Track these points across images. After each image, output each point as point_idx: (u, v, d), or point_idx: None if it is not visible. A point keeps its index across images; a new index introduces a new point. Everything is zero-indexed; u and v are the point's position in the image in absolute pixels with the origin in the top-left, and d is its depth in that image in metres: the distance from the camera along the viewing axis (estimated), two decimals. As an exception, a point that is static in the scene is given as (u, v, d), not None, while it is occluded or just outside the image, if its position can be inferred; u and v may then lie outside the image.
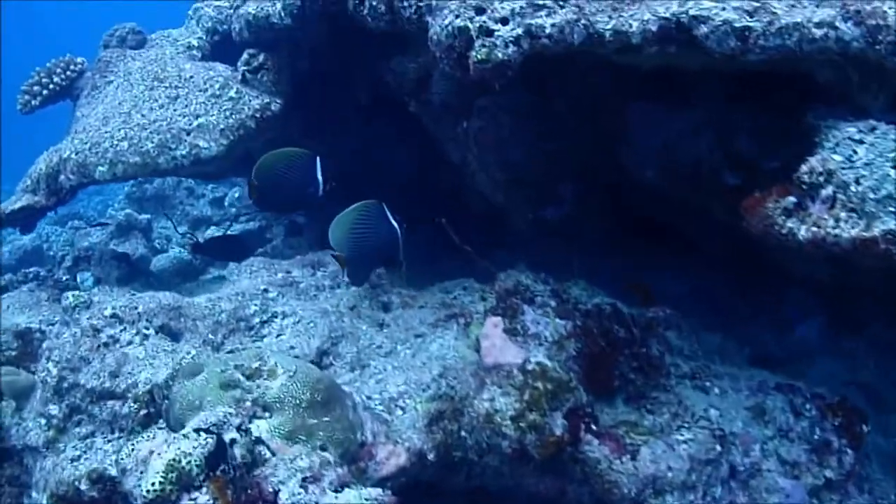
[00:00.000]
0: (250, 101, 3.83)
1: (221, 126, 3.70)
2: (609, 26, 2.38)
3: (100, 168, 3.68)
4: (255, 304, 3.32)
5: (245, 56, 4.14)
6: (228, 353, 3.15)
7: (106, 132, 3.78)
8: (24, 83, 4.48)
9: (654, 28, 2.34)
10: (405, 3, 2.62)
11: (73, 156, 3.78)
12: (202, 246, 5.00)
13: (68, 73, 4.43)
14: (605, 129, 3.57)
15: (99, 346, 3.08)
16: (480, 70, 2.34)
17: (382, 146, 4.30)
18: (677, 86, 3.25)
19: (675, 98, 3.33)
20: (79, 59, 4.52)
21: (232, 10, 4.17)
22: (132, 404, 2.91)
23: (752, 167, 3.12)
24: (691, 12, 2.28)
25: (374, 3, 2.82)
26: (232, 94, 3.84)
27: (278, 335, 3.24)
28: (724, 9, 2.27)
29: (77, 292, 3.60)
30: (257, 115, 3.78)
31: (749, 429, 2.98)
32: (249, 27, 3.82)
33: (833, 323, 3.98)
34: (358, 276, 3.41)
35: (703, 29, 2.27)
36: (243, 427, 2.38)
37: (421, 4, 2.56)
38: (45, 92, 4.41)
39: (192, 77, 3.95)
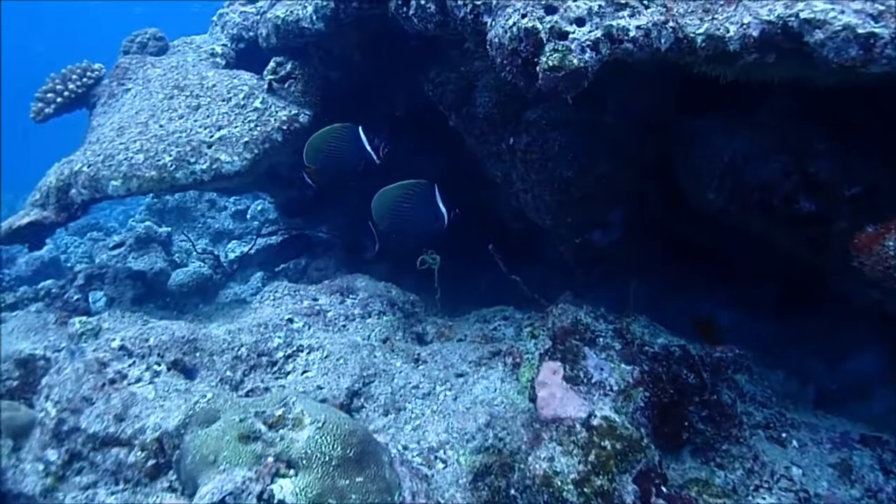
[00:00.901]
0: (277, 111, 3.41)
1: (245, 139, 3.29)
2: (701, 30, 1.95)
3: (113, 182, 3.27)
4: (279, 337, 2.90)
5: (272, 64, 3.73)
6: (248, 394, 2.73)
7: (121, 144, 3.37)
8: (38, 90, 4.07)
9: (755, 33, 1.91)
10: (460, 2, 2.18)
11: (84, 168, 3.37)
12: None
13: (85, 79, 4.03)
14: (660, 148, 3.15)
15: (104, 383, 2.66)
16: (551, 79, 1.91)
17: (417, 161, 3.87)
18: (740, 100, 2.84)
19: (739, 114, 2.91)
20: (96, 66, 4.11)
21: (258, 16, 3.76)
22: (139, 453, 2.49)
23: (831, 193, 2.69)
24: (802, 15, 1.84)
25: (423, 3, 2.38)
26: (257, 104, 3.43)
27: (304, 372, 2.82)
28: (842, 12, 1.83)
29: (85, 318, 3.18)
30: (284, 128, 3.37)
31: (835, 490, 2.54)
32: (277, 32, 3.40)
33: (891, 352, 3.55)
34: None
35: (818, 35, 1.83)
36: (265, 497, 1.96)
37: (478, 3, 2.12)
38: (59, 99, 4.01)
39: (214, 85, 3.54)
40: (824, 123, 2.77)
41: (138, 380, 2.72)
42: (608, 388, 2.33)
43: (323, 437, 2.22)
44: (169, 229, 6.38)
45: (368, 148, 3.25)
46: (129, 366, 2.77)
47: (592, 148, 3.02)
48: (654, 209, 3.40)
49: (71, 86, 4.00)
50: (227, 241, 6.53)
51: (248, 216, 6.80)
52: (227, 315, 3.60)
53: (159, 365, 2.74)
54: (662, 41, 1.91)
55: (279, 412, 2.33)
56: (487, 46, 2.09)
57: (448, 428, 2.52)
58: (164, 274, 5.59)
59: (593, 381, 2.33)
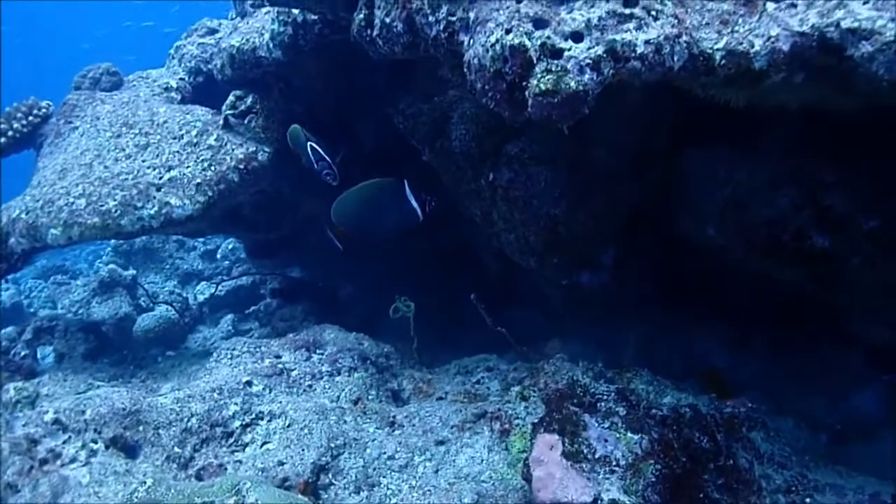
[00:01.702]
0: (233, 149, 3.01)
1: (198, 180, 2.88)
2: (720, 45, 1.57)
3: (52, 231, 2.85)
4: (236, 404, 2.48)
5: (231, 98, 3.33)
6: (199, 473, 2.30)
7: (62, 188, 2.95)
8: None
9: (785, 47, 1.54)
10: (431, 19, 1.78)
11: (22, 216, 2.94)
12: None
13: (31, 118, 3.60)
14: (654, 182, 2.78)
15: (31, 466, 2.23)
16: (543, 105, 1.52)
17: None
18: (741, 129, 2.48)
19: (741, 145, 2.56)
20: (44, 103, 3.69)
21: (216, 47, 3.35)
22: (69, 551, 2.06)
23: (846, 227, 2.33)
24: (844, 24, 1.48)
25: (389, 21, 1.97)
26: (211, 141, 3.02)
27: (264, 444, 2.40)
28: (893, 19, 1.46)
29: (20, 384, 2.74)
30: (241, 167, 2.96)
31: (870, 564, 2.17)
32: (233, 63, 3.01)
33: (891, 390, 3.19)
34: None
35: (865, 48, 1.47)
36: None
37: (453, 19, 1.72)
38: (2, 140, 3.57)
39: (165, 122, 3.13)
40: (832, 152, 2.41)
41: (73, 460, 2.29)
42: (614, 463, 1.93)
43: (281, 534, 1.79)
44: (134, 272, 5.92)
45: (415, 204, 2.88)
46: (64, 443, 2.34)
47: (581, 184, 2.64)
48: (647, 247, 3.02)
49: (16, 125, 3.57)
50: (197, 283, 6.07)
51: (219, 255, 6.36)
52: (184, 373, 3.16)
53: (96, 443, 2.31)
54: (675, 59, 1.53)
55: (230, 502, 1.91)
56: (465, 70, 1.70)
57: (429, 509, 2.10)
58: (129, 319, 5.16)
59: (597, 455, 1.93)
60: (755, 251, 2.53)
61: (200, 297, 5.68)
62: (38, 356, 3.56)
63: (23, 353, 3.60)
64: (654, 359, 2.94)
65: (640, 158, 2.74)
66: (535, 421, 2.10)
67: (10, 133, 3.58)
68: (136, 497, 2.00)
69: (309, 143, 2.79)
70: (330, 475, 2.28)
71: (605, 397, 2.12)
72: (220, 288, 5.39)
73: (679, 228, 2.80)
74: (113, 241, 6.45)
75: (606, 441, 1.97)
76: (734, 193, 2.53)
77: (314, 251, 4.27)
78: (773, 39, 1.54)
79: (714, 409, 2.33)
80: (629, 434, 2.02)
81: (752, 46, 1.55)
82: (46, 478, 2.19)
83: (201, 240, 6.39)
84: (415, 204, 2.80)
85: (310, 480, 2.25)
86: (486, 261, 3.58)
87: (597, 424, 2.01)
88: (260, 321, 4.98)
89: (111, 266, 5.70)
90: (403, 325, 3.18)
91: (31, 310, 6.23)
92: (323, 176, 2.82)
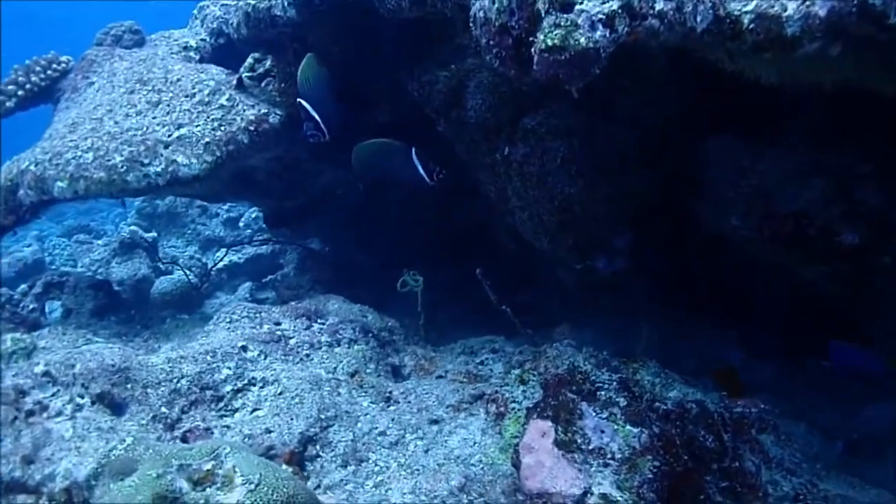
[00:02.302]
0: (244, 110, 2.91)
1: (207, 139, 2.78)
2: (749, 7, 1.43)
3: (59, 184, 2.77)
4: (228, 368, 2.39)
5: (250, 60, 3.23)
6: (185, 435, 2.21)
7: (71, 141, 2.87)
8: (1, 83, 3.57)
9: (822, 13, 1.38)
10: (437, -30, 1.66)
11: (31, 167, 2.87)
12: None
13: (49, 72, 3.54)
14: (674, 164, 2.63)
15: (15, 417, 2.15)
16: (549, 63, 1.39)
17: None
18: (767, 114, 2.33)
19: (767, 131, 2.40)
20: (63, 58, 3.62)
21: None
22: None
23: (879, 223, 2.17)
24: (890, -15, 1.32)
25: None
26: (223, 101, 2.92)
27: (253, 410, 2.31)
28: (945, -22, 1.31)
29: (18, 335, 2.67)
30: (251, 128, 2.86)
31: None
32: (248, 21, 2.90)
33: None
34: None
35: (916, 16, 1.31)
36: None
37: (460, -29, 1.60)
38: (20, 92, 3.51)
39: (179, 80, 3.04)
40: (866, 142, 2.25)
41: (58, 413, 2.22)
42: (609, 455, 1.80)
43: (255, 501, 1.71)
44: (155, 235, 5.88)
45: (422, 171, 2.81)
46: (52, 395, 2.27)
47: (599, 162, 2.50)
48: (664, 235, 2.86)
49: (34, 78, 3.51)
50: (217, 249, 6.01)
51: (241, 224, 6.28)
52: (186, 335, 3.08)
53: (83, 397, 2.23)
54: (698, 19, 1.39)
55: (207, 466, 1.83)
56: (471, 24, 1.57)
57: (415, 488, 2.00)
58: (148, 281, 5.12)
59: (591, 446, 1.80)
60: (780, 244, 2.38)
61: (221, 264, 5.63)
62: (46, 310, 3.51)
63: (31, 307, 3.55)
64: (666, 351, 2.81)
65: (660, 140, 2.60)
66: (531, 405, 1.98)
67: (27, 86, 3.52)
68: (114, 454, 1.91)
69: (298, 99, 2.70)
70: (317, 447, 2.19)
71: (605, 386, 1.99)
72: (227, 254, 5.31)
73: (698, 216, 2.65)
74: (136, 203, 6.44)
75: (603, 432, 1.85)
76: (760, 183, 2.38)
77: (333, 222, 4.17)
78: (808, 3, 1.39)
79: (723, 408, 2.19)
80: (628, 427, 1.89)
81: (785, 10, 1.40)
82: (30, 429, 2.12)
83: (225, 207, 6.32)
84: (422, 171, 2.70)
85: (296, 451, 2.15)
86: (502, 240, 3.45)
87: (594, 414, 1.88)
88: (276, 290, 4.92)
89: (132, 227, 5.66)
90: (414, 301, 3.08)
91: (53, 267, 6.22)
92: (308, 137, 2.71)
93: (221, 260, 5.29)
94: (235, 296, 5.11)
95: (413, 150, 2.70)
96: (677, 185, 2.66)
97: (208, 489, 1.77)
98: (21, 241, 6.65)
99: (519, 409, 2.10)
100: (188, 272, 4.94)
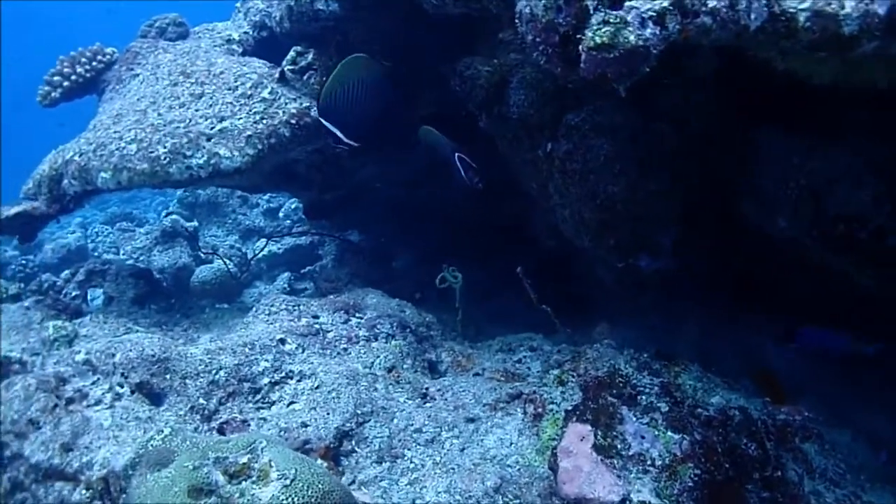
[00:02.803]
0: (287, 104, 2.90)
1: (248, 132, 2.78)
2: (805, 5, 1.37)
3: (102, 174, 2.79)
4: (266, 360, 2.39)
5: (292, 54, 3.23)
6: (222, 427, 2.22)
7: (115, 132, 2.89)
8: (48, 73, 3.61)
9: (881, 10, 1.33)
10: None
11: (76, 157, 2.90)
12: None
13: (95, 63, 3.57)
14: (720, 161, 2.57)
15: (55, 405, 2.17)
16: (598, 61, 1.35)
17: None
18: (816, 112, 2.26)
19: (816, 129, 2.32)
20: (109, 50, 3.65)
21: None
22: (84, 491, 2.03)
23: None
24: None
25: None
26: (265, 94, 2.92)
27: (290, 404, 2.31)
28: None
29: (60, 322, 2.70)
30: (293, 122, 2.85)
31: None
32: (290, 15, 2.89)
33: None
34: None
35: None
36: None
37: (507, -36, 1.57)
38: (66, 83, 3.55)
39: (222, 73, 3.04)
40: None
41: (98, 402, 2.23)
42: (649, 462, 1.76)
43: (290, 497, 1.70)
44: (196, 224, 5.92)
45: (463, 175, 2.81)
46: (92, 384, 2.28)
47: (643, 160, 2.45)
48: (708, 234, 2.80)
49: (80, 69, 3.54)
50: (257, 239, 6.04)
51: (281, 214, 6.31)
52: (225, 325, 3.09)
53: (122, 387, 2.25)
54: (752, 16, 1.34)
55: (244, 459, 1.82)
56: (516, 20, 1.54)
57: (450, 487, 1.98)
58: (188, 270, 5.17)
59: (631, 452, 1.76)
60: (829, 247, 2.31)
61: (260, 254, 5.66)
62: (89, 298, 3.55)
63: (73, 294, 3.59)
64: (708, 353, 2.75)
65: (706, 137, 2.53)
66: (570, 408, 1.94)
67: (73, 77, 3.55)
68: (152, 444, 1.92)
69: (321, 119, 2.66)
70: (353, 442, 2.17)
71: (647, 390, 1.95)
72: (266, 245, 5.33)
73: (744, 215, 2.58)
74: (178, 192, 6.50)
75: (643, 437, 1.81)
76: (809, 183, 2.31)
77: (372, 215, 4.17)
78: (866, 1, 1.33)
79: (766, 415, 2.13)
80: (669, 433, 1.85)
81: (843, 8, 1.35)
82: (69, 417, 2.14)
83: (265, 197, 6.35)
84: (462, 175, 2.68)
85: (331, 445, 2.14)
86: (542, 237, 3.41)
87: (634, 419, 1.85)
88: (315, 282, 4.93)
89: (173, 216, 5.71)
90: (452, 297, 3.05)
91: (96, 254, 6.30)
92: (334, 149, 2.70)
93: (262, 250, 5.31)
94: (274, 286, 5.13)
95: (456, 153, 2.67)
96: (723, 183, 2.60)
97: (244, 483, 1.76)
98: (65, 227, 6.74)
99: (557, 411, 2.07)
100: (228, 262, 4.97)
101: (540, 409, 2.13)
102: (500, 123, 2.65)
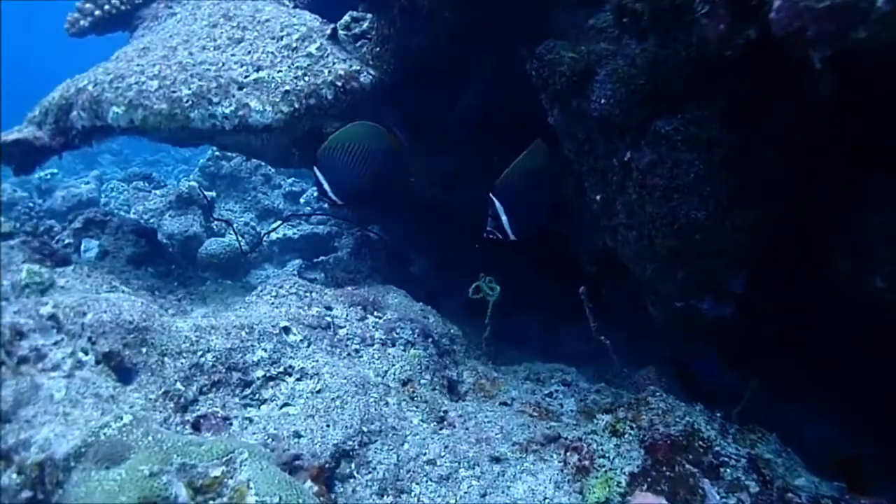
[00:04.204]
0: (334, 63, 2.46)
1: (287, 87, 2.34)
2: None
3: (115, 108, 2.36)
4: (264, 350, 1.93)
5: (346, 18, 2.82)
6: (198, 422, 1.76)
7: (137, 65, 2.46)
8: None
9: None
10: None
11: (89, 87, 2.47)
12: None
13: (132, -4, 3.12)
14: (817, 205, 2.12)
15: (2, 363, 1.71)
16: (798, 12, 0.90)
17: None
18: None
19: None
20: (150, -16, 3.20)
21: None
22: (13, 476, 1.55)
23: None
24: None
25: None
26: (312, 49, 2.48)
27: (284, 406, 1.85)
28: None
29: (36, 268, 2.26)
30: (338, 83, 2.41)
31: None
32: (353, -33, 2.45)
33: None
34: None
35: None
36: None
37: None
38: (97, 12, 3.12)
39: (268, 21, 2.61)
40: None
41: (55, 367, 1.77)
42: (737, 557, 1.30)
43: (267, 536, 1.25)
44: (214, 195, 5.49)
45: (505, 223, 2.50)
46: (54, 344, 1.82)
47: (737, 186, 2.00)
48: (783, 281, 2.34)
49: (114, 0, 3.10)
50: (273, 220, 5.59)
51: (302, 200, 5.86)
52: (224, 302, 2.64)
53: (86, 353, 1.79)
54: None
55: (216, 472, 1.37)
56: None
57: (465, 543, 1.51)
58: (197, 240, 4.74)
59: (716, 542, 1.30)
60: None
61: (273, 236, 5.22)
62: (82, 248, 3.10)
63: (66, 242, 3.14)
64: (757, 416, 2.30)
65: (808, 173, 2.08)
66: (635, 471, 1.48)
67: (106, 7, 3.12)
68: (105, 433, 1.47)
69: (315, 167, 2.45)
70: (352, 465, 1.72)
71: (732, 462, 1.49)
72: (282, 225, 4.91)
73: (830, 267, 2.14)
74: (201, 161, 6.06)
75: (730, 522, 1.35)
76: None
77: (398, 211, 3.74)
78: None
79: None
80: (759, 519, 1.39)
81: None
82: (15, 380, 1.68)
83: (289, 180, 5.92)
84: (505, 223, 2.30)
85: (326, 465, 1.68)
86: (583, 259, 2.96)
87: (719, 497, 1.39)
88: (326, 273, 4.50)
89: (192, 183, 5.28)
90: (473, 308, 2.62)
91: (107, 209, 5.87)
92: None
93: (275, 230, 4.89)
94: (283, 271, 4.72)
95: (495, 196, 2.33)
96: (812, 229, 2.16)
97: (210, 503, 1.32)
98: (80, 177, 6.33)
99: (611, 469, 1.60)
100: (240, 237, 4.54)
101: (586, 462, 1.67)
102: (575, 121, 2.20)
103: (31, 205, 5.34)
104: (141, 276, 2.91)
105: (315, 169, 2.49)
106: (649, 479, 1.42)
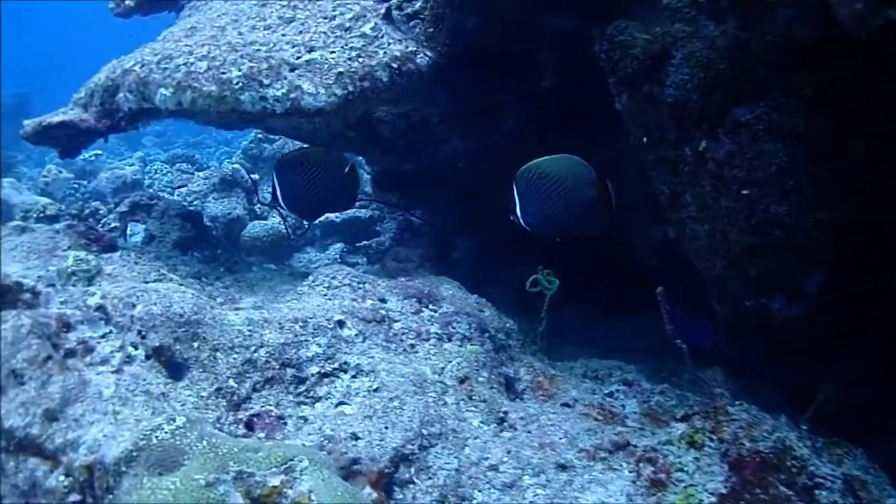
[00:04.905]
0: (390, 44, 2.34)
1: (341, 69, 2.22)
2: None
3: (163, 91, 2.26)
4: (319, 345, 1.83)
5: (397, -3, 2.65)
6: (251, 421, 1.67)
7: (185, 46, 2.36)
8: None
9: None
10: None
11: (136, 68, 2.37)
12: None
13: (180, -26, 3.01)
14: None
15: (49, 356, 1.63)
16: None
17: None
18: None
19: None
20: (198, -37, 3.09)
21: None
22: (61, 478, 1.47)
23: None
24: None
25: None
26: (366, 29, 2.36)
27: (339, 404, 1.75)
28: None
29: (82, 255, 2.18)
30: (394, 66, 2.29)
31: None
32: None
33: None
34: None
35: None
36: None
37: None
38: (143, -9, 3.01)
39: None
40: None
41: (103, 361, 1.69)
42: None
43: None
44: (257, 177, 5.42)
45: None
46: (102, 337, 1.74)
47: (822, 181, 1.84)
48: (860, 283, 2.17)
49: (162, -22, 3.01)
50: (316, 204, 5.50)
51: (344, 184, 5.76)
52: (273, 290, 2.54)
53: (136, 348, 1.70)
54: None
55: (275, 482, 1.27)
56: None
57: (534, 559, 1.40)
58: (241, 223, 4.69)
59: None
60: None
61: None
62: (128, 232, 3.03)
63: (112, 226, 3.07)
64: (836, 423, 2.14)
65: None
66: (722, 490, 1.36)
67: (154, -16, 3.03)
68: (157, 436, 1.37)
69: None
70: (412, 470, 1.61)
71: (828, 484, 1.36)
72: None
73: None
74: (244, 143, 5.98)
75: (832, 553, 1.22)
76: None
77: (445, 195, 3.60)
78: None
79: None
80: (862, 550, 1.26)
81: None
82: (63, 375, 1.60)
83: (331, 162, 5.81)
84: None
85: (385, 470, 1.58)
86: (641, 251, 2.81)
87: (818, 523, 1.26)
88: (369, 258, 4.41)
89: (235, 165, 5.21)
90: (521, 299, 2.51)
91: (151, 190, 5.83)
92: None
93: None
94: (326, 254, 4.64)
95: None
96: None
97: (270, 515, 1.22)
98: (124, 158, 6.30)
99: (690, 483, 1.47)
100: (285, 220, 4.47)
101: (662, 476, 1.54)
102: (646, 107, 2.05)
103: (75, 185, 5.33)
104: (188, 261, 2.82)
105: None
106: (744, 502, 1.29)
